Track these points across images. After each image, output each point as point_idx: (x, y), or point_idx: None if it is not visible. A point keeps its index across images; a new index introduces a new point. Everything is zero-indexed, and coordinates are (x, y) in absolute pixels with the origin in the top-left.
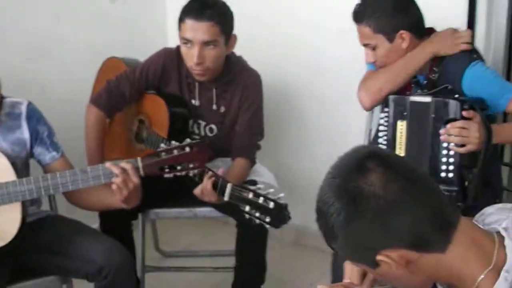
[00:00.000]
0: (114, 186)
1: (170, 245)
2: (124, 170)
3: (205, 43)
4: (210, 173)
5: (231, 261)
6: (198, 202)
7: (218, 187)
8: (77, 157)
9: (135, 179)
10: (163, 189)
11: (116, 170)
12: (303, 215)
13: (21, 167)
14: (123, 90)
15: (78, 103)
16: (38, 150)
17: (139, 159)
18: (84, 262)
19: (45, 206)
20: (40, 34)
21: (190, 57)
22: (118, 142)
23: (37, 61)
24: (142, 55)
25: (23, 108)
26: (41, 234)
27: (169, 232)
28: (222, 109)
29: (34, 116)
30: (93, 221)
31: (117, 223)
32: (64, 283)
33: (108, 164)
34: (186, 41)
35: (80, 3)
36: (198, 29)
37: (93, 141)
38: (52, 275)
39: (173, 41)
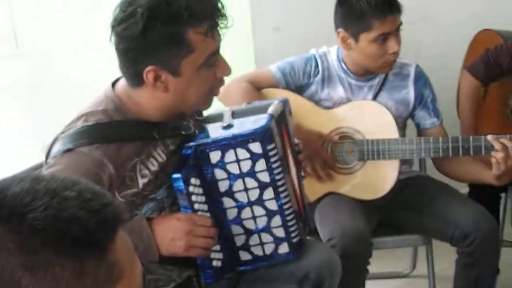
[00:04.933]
0: (493, 160)
1: None
2: (505, 147)
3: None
4: None
5: None
6: None
7: None
8: (447, 126)
9: None
10: None
11: (497, 146)
12: None
13: (401, 126)
14: (501, 62)
15: (450, 69)
16: (420, 113)
17: None
18: (450, 225)
19: (414, 167)
20: None
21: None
22: (492, 116)
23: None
24: None
25: (412, 70)
26: (410, 192)
27: None
28: None
29: (422, 79)
30: (461, 187)
31: (486, 192)
32: (425, 244)
33: (490, 137)
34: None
35: None
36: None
37: (467, 110)
38: (416, 233)
39: None
